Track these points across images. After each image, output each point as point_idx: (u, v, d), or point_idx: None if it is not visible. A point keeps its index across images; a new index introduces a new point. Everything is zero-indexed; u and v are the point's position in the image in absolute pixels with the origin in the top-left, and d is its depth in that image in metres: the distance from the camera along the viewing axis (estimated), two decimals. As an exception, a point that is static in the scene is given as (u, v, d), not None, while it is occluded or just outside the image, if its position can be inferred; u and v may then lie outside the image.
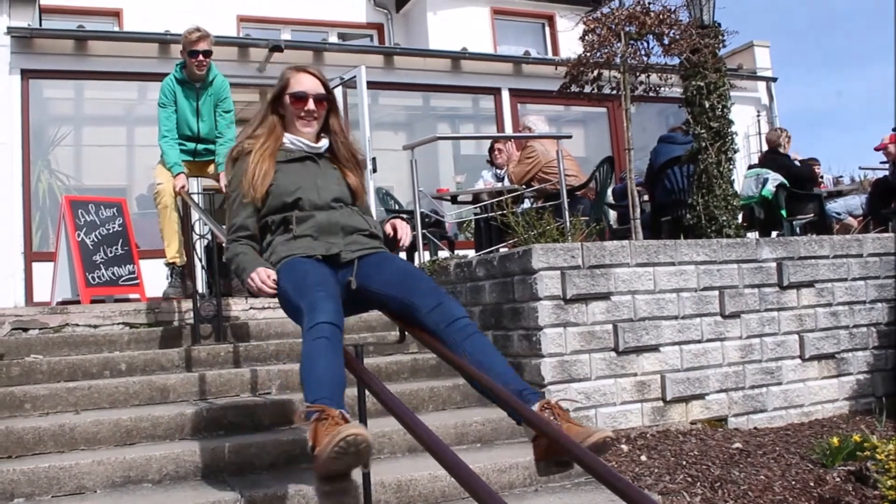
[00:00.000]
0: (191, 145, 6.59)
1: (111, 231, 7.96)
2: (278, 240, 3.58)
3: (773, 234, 8.32)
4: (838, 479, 4.85)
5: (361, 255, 3.55)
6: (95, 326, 6.34)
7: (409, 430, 2.89)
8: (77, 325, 6.35)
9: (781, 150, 9.21)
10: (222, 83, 6.62)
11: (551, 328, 5.23)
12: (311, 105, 3.68)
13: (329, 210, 3.60)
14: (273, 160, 3.64)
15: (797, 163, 9.39)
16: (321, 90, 3.72)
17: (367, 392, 3.62)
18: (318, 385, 3.10)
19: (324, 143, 3.77)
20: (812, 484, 4.80)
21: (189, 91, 6.47)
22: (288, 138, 3.71)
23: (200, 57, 6.39)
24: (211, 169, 6.69)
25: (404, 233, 3.78)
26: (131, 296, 7.87)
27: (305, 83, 3.71)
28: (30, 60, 9.41)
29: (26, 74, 9.39)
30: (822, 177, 11.19)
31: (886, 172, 9.34)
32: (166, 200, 6.34)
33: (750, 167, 9.45)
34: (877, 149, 9.99)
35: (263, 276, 3.42)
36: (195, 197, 7.02)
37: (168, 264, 6.72)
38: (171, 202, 6.36)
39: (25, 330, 6.19)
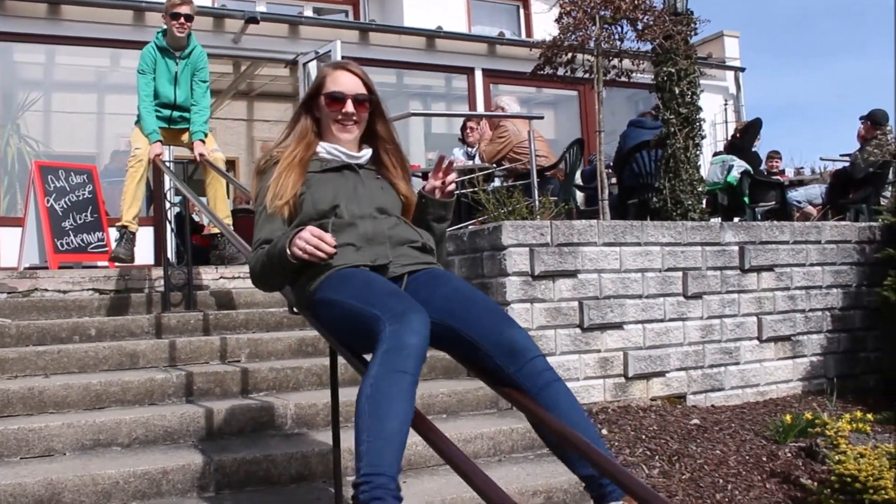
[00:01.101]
0: (166, 112, 6.62)
1: (81, 198, 7.95)
2: None
3: (736, 219, 8.49)
4: (789, 455, 5.03)
5: (412, 271, 3.01)
6: (65, 292, 6.34)
7: None
8: (46, 289, 6.34)
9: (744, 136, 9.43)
10: (201, 53, 6.69)
11: (519, 303, 5.33)
12: (349, 107, 3.15)
13: (373, 219, 3.06)
14: (303, 169, 3.13)
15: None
16: (362, 90, 3.18)
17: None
18: (385, 448, 2.46)
19: (366, 152, 3.25)
20: (765, 459, 4.98)
21: (169, 59, 6.54)
22: (323, 147, 3.20)
23: (182, 20, 6.49)
24: (185, 137, 6.72)
25: (451, 174, 3.16)
26: (99, 263, 7.87)
27: (344, 82, 3.18)
28: (1, 23, 9.31)
29: (-2, 37, 9.30)
30: (782, 170, 11.44)
31: (846, 164, 9.58)
32: (140, 166, 6.36)
33: (715, 154, 9.63)
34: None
35: (313, 232, 2.84)
36: (169, 165, 7.03)
37: (121, 227, 6.66)
38: (144, 169, 6.39)
39: (-7, 294, 6.17)
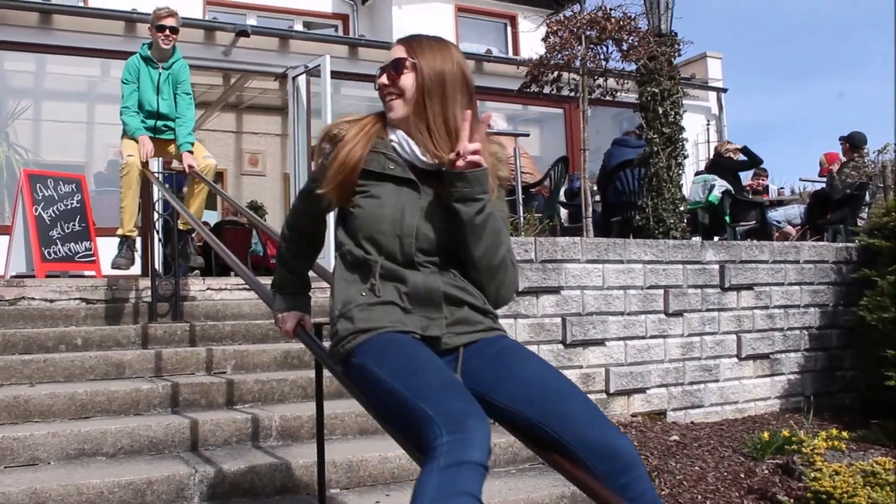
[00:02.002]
0: (151, 122, 6.64)
1: (69, 207, 7.96)
2: (355, 296, 2.37)
3: (716, 238, 8.60)
4: (767, 472, 5.11)
5: (469, 342, 2.37)
6: (52, 301, 6.32)
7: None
8: (33, 298, 6.32)
9: (724, 155, 9.55)
10: (183, 66, 6.75)
11: (503, 319, 5.29)
12: (383, 78, 2.48)
13: (427, 271, 2.36)
14: (367, 141, 2.42)
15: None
16: (401, 54, 2.49)
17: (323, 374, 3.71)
18: None
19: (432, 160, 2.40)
20: (742, 475, 5.05)
21: (153, 69, 6.60)
22: (398, 136, 2.43)
23: (167, 32, 6.55)
24: (171, 148, 6.73)
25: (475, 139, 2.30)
26: (86, 272, 7.88)
27: (390, 55, 2.53)
28: (-9, 31, 9.34)
29: (-13, 45, 9.32)
30: (766, 187, 11.56)
31: (823, 185, 9.73)
32: (134, 173, 6.37)
33: (697, 173, 9.76)
34: (821, 174, 10.39)
35: (291, 324, 2.85)
36: (157, 176, 7.06)
37: (123, 237, 6.71)
38: (138, 176, 6.41)
39: (-21, 302, 6.16)
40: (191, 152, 6.56)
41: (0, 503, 3.62)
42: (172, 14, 6.61)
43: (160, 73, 6.60)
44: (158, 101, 6.60)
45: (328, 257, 9.49)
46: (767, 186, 11.86)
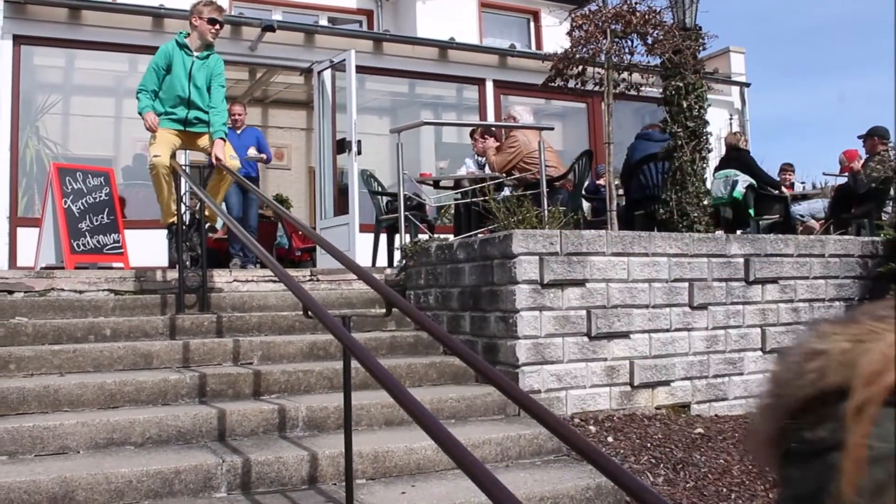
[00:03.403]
0: (182, 112, 6.59)
1: (98, 200, 8.07)
2: None
3: (739, 232, 8.57)
4: (792, 465, 5.09)
5: None
6: (81, 292, 6.40)
7: (398, 401, 2.82)
8: (63, 289, 6.39)
9: (741, 147, 9.51)
10: (218, 60, 6.75)
11: (528, 311, 5.41)
12: None
13: None
14: None
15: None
16: None
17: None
18: None
19: None
20: (768, 469, 5.03)
21: (186, 56, 6.58)
22: None
23: (218, 26, 6.65)
24: (201, 141, 6.72)
25: None
26: (115, 264, 7.98)
27: None
28: (22, 26, 9.43)
29: (18, 40, 9.41)
30: (791, 184, 11.50)
31: (847, 179, 9.67)
32: (161, 172, 6.40)
33: (715, 169, 9.74)
34: (842, 172, 10.34)
35: None
36: (185, 169, 7.09)
37: (168, 226, 6.82)
38: (166, 173, 6.43)
39: (10, 293, 6.20)
40: (224, 140, 6.60)
41: (31, 491, 3.69)
42: (221, 8, 6.72)
43: (193, 62, 6.60)
44: (189, 89, 6.57)
45: (353, 250, 9.57)
46: (793, 183, 11.81)
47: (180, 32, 6.75)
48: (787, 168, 11.74)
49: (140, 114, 6.50)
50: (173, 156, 6.54)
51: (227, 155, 6.61)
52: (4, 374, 4.91)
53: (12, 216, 9.12)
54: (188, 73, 6.56)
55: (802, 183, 11.69)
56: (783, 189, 10.58)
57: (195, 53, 6.61)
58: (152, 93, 6.53)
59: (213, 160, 6.53)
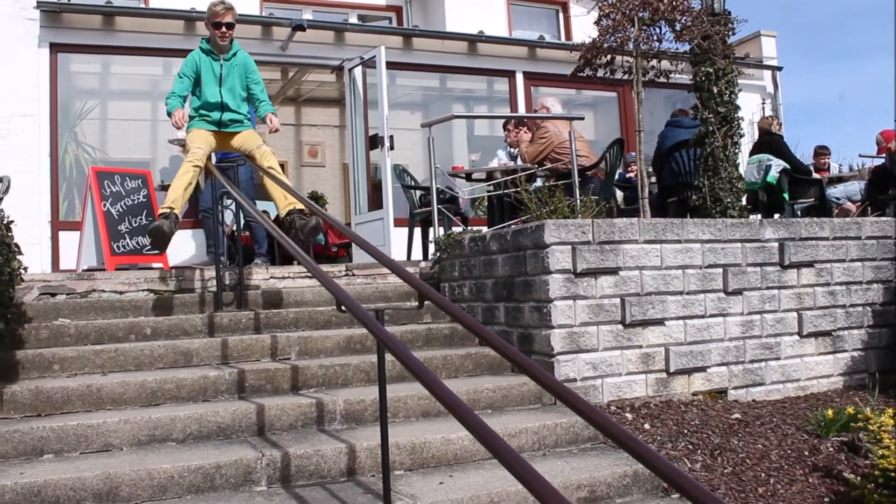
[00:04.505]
0: (215, 115, 6.61)
1: (136, 202, 8.20)
2: None
3: (775, 216, 8.51)
4: (832, 449, 5.07)
5: None
6: (121, 292, 6.48)
7: (432, 393, 2.85)
8: (103, 290, 6.47)
9: (774, 131, 9.42)
10: (246, 57, 6.74)
11: (561, 300, 5.43)
12: None
13: None
14: None
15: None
16: None
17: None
18: None
19: None
20: (807, 453, 5.01)
21: (213, 60, 6.59)
22: None
23: (223, 28, 6.57)
24: (235, 141, 6.70)
25: None
26: (154, 265, 8.10)
27: None
28: (58, 34, 9.57)
29: (55, 48, 9.55)
30: (828, 167, 11.38)
31: (884, 160, 9.55)
32: (197, 161, 6.34)
33: (750, 154, 9.66)
34: (880, 153, 10.21)
35: None
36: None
37: (167, 209, 6.28)
38: (201, 165, 6.40)
39: (53, 295, 6.31)
40: (275, 114, 6.65)
41: (76, 487, 3.78)
42: (229, 9, 6.61)
43: (222, 65, 6.62)
44: (221, 92, 6.57)
45: (388, 245, 9.63)
46: (830, 165, 11.68)
47: (202, 39, 6.80)
48: (822, 151, 11.60)
49: (169, 114, 6.51)
50: (208, 158, 6.57)
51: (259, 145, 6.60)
52: (49, 375, 5.03)
53: (54, 220, 9.29)
54: (218, 79, 6.57)
55: (839, 164, 11.55)
56: (815, 173, 10.49)
57: (221, 57, 6.63)
58: (182, 98, 6.57)
59: (275, 127, 6.55)
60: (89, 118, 10.03)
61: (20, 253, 5.18)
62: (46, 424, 4.25)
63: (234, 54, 6.69)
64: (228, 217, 8.21)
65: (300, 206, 6.42)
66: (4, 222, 5.02)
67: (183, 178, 6.30)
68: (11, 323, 5.25)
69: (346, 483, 4.19)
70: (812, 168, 11.27)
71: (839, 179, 10.28)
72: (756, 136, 10.12)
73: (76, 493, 3.77)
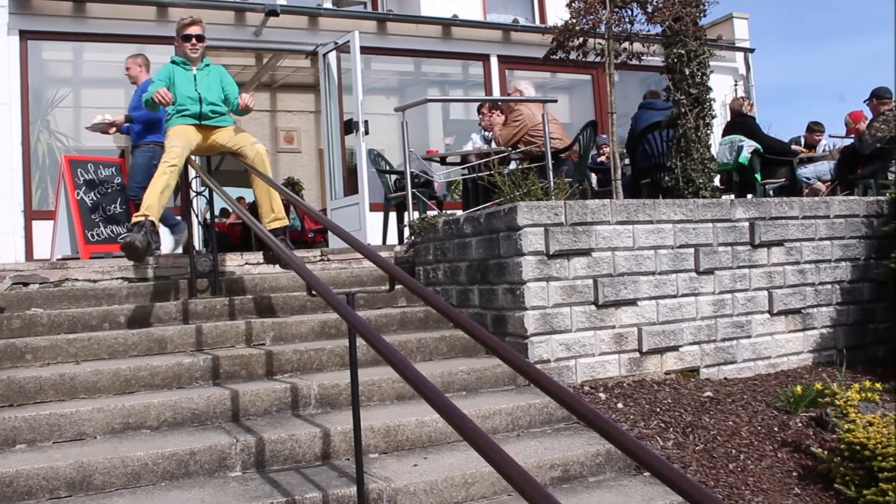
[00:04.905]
0: (195, 108, 6.29)
1: (110, 190, 8.16)
2: None
3: (748, 196, 8.58)
4: (800, 425, 5.15)
5: None
6: (95, 281, 6.46)
7: (400, 374, 2.86)
8: (77, 279, 6.46)
9: (745, 112, 9.49)
10: (219, 67, 6.57)
11: (534, 282, 5.46)
12: None
13: None
14: None
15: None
16: None
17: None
18: None
19: None
20: (776, 429, 5.09)
21: (186, 68, 6.39)
22: None
23: (193, 41, 6.39)
24: (219, 137, 6.40)
25: None
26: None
27: None
28: (28, 21, 9.51)
29: (25, 35, 9.49)
30: (822, 144, 11.42)
31: (853, 141, 9.65)
32: (174, 162, 5.97)
33: (722, 135, 9.72)
34: (848, 134, 10.31)
35: None
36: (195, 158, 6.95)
37: (142, 217, 5.87)
38: (179, 165, 6.03)
39: (26, 284, 6.31)
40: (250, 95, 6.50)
41: (49, 477, 3.77)
42: (196, 22, 6.45)
43: (195, 74, 6.38)
44: (197, 89, 6.31)
45: (364, 229, 9.64)
46: (822, 142, 11.64)
47: (173, 55, 6.60)
48: (815, 128, 11.59)
49: (147, 102, 6.16)
50: (187, 159, 6.21)
51: (248, 142, 6.38)
52: (21, 364, 5.01)
53: (27, 210, 9.24)
54: (192, 80, 6.33)
55: (832, 136, 11.54)
56: (808, 150, 10.58)
57: (194, 67, 6.42)
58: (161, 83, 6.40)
59: (249, 104, 6.32)
60: (61, 106, 9.97)
61: (-8, 243, 5.16)
62: (19, 414, 4.23)
63: (207, 65, 6.49)
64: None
65: (285, 222, 6.47)
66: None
67: (158, 182, 5.92)
68: (-17, 313, 5.22)
69: (321, 467, 4.20)
70: (803, 142, 11.38)
71: (810, 160, 10.36)
72: (728, 118, 10.17)
73: (49, 482, 3.77)
